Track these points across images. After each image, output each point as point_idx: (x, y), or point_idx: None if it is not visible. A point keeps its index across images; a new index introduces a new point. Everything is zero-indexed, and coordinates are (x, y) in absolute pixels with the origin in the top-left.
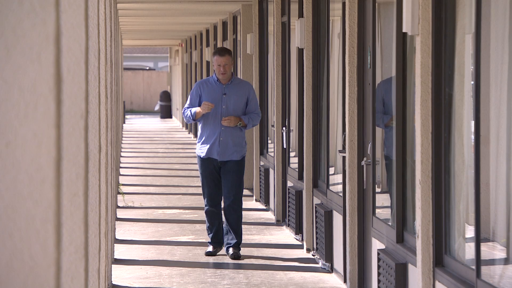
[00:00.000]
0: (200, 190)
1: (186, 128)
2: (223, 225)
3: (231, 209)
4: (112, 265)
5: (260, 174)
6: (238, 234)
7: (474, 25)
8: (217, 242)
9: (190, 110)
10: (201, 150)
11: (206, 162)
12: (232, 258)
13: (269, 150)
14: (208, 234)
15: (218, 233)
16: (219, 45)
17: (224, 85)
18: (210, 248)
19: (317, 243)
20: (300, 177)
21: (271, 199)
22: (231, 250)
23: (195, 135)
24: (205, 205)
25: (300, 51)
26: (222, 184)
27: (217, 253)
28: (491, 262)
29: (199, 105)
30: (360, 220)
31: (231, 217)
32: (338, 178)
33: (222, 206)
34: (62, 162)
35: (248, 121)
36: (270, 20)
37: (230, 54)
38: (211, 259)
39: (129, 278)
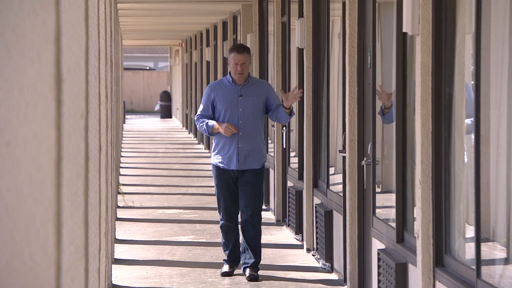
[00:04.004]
0: (201, 190)
1: (186, 128)
2: (240, 241)
3: (249, 224)
4: (112, 265)
5: None
6: (257, 253)
7: (474, 25)
8: (233, 260)
9: (207, 124)
10: (219, 159)
11: (222, 172)
12: (249, 280)
13: (269, 150)
14: (224, 251)
15: (235, 250)
16: (219, 45)
17: (240, 86)
18: (226, 268)
19: (317, 243)
20: (300, 177)
21: (271, 199)
22: (248, 271)
23: (195, 135)
24: (220, 219)
25: (300, 51)
26: (240, 197)
27: (234, 273)
28: (491, 262)
29: (214, 110)
30: (360, 220)
31: (249, 234)
32: (338, 178)
33: (239, 220)
34: (62, 162)
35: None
36: (270, 20)
37: (248, 52)
38: (210, 259)
39: (129, 278)
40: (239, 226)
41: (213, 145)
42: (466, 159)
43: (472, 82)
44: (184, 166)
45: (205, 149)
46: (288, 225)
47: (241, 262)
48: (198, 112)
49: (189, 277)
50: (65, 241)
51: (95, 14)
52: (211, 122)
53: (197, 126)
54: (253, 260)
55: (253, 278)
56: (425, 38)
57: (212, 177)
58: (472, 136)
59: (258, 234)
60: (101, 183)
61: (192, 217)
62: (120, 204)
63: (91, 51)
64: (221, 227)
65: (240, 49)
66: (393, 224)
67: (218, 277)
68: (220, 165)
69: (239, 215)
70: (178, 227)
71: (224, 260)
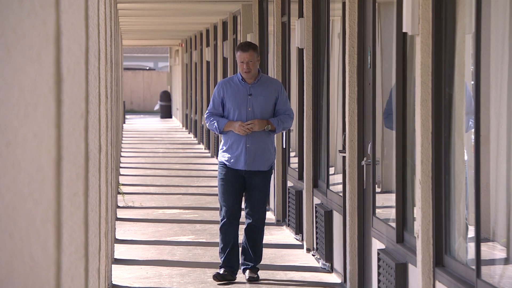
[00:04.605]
0: (201, 190)
1: (186, 128)
2: (241, 241)
3: (254, 228)
4: (112, 265)
5: None
6: (258, 255)
7: (474, 25)
8: (230, 266)
9: (218, 122)
10: (225, 158)
11: (230, 170)
12: (249, 281)
13: None
14: (221, 257)
15: (233, 255)
16: (219, 45)
17: (250, 85)
18: (220, 271)
19: (317, 243)
20: (300, 177)
21: (271, 199)
22: (248, 274)
23: (195, 135)
24: (222, 218)
25: (300, 51)
26: (246, 199)
27: (229, 280)
28: (491, 262)
29: (223, 108)
30: (360, 220)
31: (253, 236)
32: (338, 178)
33: (244, 227)
34: (62, 162)
35: (278, 123)
36: (270, 20)
37: (254, 49)
38: (210, 259)
39: (129, 278)
40: (244, 229)
41: (221, 143)
42: (466, 157)
43: (472, 82)
44: (184, 166)
45: (205, 149)
46: (288, 225)
47: (240, 262)
48: (208, 110)
49: (189, 277)
50: (65, 241)
51: (95, 14)
52: (223, 120)
53: (207, 124)
54: (253, 263)
55: (253, 280)
56: (425, 38)
57: (215, 176)
58: (472, 136)
59: (261, 236)
60: (101, 183)
61: (192, 217)
62: (120, 204)
63: (91, 51)
64: (220, 227)
65: (245, 47)
66: (393, 224)
67: None
68: (227, 163)
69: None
70: (178, 227)
71: (220, 266)
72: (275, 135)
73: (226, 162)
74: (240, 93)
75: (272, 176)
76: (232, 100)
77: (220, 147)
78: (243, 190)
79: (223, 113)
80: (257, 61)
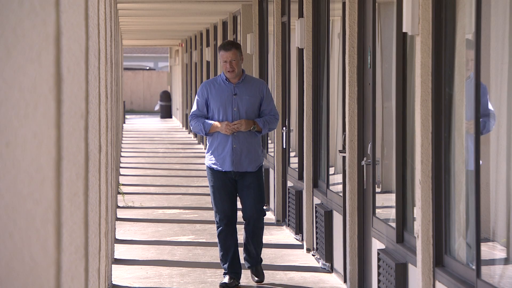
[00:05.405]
0: (201, 190)
1: (186, 128)
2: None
3: (256, 228)
4: (112, 265)
5: None
6: (260, 247)
7: (474, 25)
8: (234, 272)
9: (204, 123)
10: (212, 160)
11: (218, 173)
12: (257, 282)
13: (269, 150)
14: (223, 264)
15: (235, 261)
16: (219, 45)
17: (234, 85)
18: (226, 279)
19: (317, 243)
20: (300, 177)
21: (271, 199)
22: (254, 277)
23: (195, 135)
24: (218, 225)
25: (300, 51)
26: (243, 203)
27: (235, 286)
28: (491, 262)
29: (207, 109)
30: (360, 220)
31: (254, 237)
32: (338, 178)
33: (244, 226)
34: (62, 162)
35: (264, 124)
36: (270, 20)
37: (237, 48)
38: (210, 259)
39: (129, 278)
40: (245, 231)
41: (207, 146)
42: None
43: (472, 81)
44: (184, 166)
45: (205, 149)
46: (288, 225)
47: (243, 256)
48: (192, 112)
49: (189, 277)
50: (65, 241)
51: (95, 14)
52: (208, 121)
53: (191, 126)
54: (255, 257)
55: (259, 281)
56: (425, 38)
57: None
58: (473, 136)
59: (262, 233)
60: (101, 183)
61: (192, 217)
62: (120, 204)
63: (91, 51)
64: (219, 234)
65: (228, 46)
66: (393, 224)
67: (218, 277)
68: (214, 166)
69: (238, 217)
70: (178, 227)
71: (224, 274)
72: (259, 137)
73: (213, 166)
74: (224, 93)
75: (272, 176)
76: (217, 101)
77: (206, 150)
78: (235, 193)
79: (208, 114)
80: (241, 60)
